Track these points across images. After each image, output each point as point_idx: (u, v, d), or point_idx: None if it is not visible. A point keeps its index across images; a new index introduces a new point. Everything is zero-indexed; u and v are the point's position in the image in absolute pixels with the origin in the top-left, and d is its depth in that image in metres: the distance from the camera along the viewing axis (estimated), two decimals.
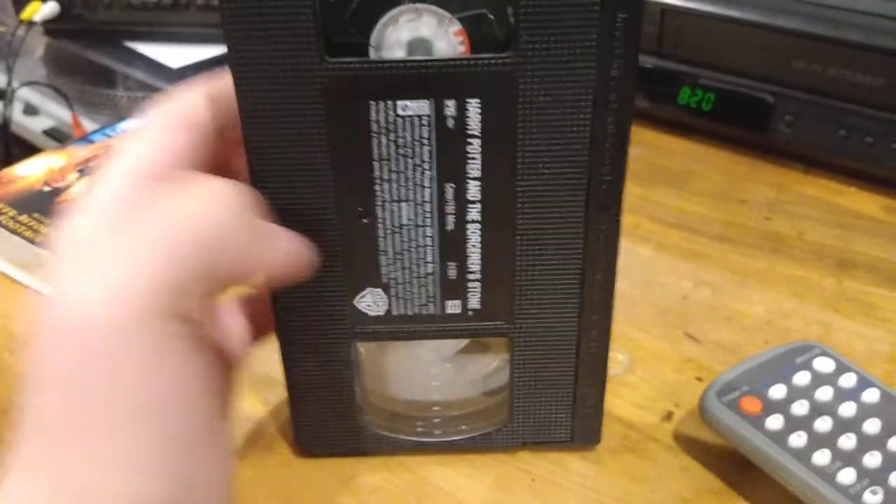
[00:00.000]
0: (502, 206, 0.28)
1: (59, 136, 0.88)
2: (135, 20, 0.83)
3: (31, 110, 0.92)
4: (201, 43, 0.80)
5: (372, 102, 0.25)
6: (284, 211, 0.27)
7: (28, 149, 0.93)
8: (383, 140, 0.26)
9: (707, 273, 0.43)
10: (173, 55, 0.81)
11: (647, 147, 0.54)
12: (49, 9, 0.84)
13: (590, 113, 0.26)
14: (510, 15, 0.25)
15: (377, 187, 0.27)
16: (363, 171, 0.27)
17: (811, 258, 0.44)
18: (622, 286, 0.41)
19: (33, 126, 0.91)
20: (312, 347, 0.30)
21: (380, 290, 0.29)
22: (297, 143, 0.26)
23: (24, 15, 0.83)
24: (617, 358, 0.37)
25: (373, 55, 0.25)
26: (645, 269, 0.43)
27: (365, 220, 0.27)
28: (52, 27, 0.87)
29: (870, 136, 0.47)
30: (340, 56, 0.25)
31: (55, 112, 0.89)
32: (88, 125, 0.85)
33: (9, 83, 0.87)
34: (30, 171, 0.50)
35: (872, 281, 0.42)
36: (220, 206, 0.23)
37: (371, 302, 0.29)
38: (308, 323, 0.29)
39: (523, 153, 0.27)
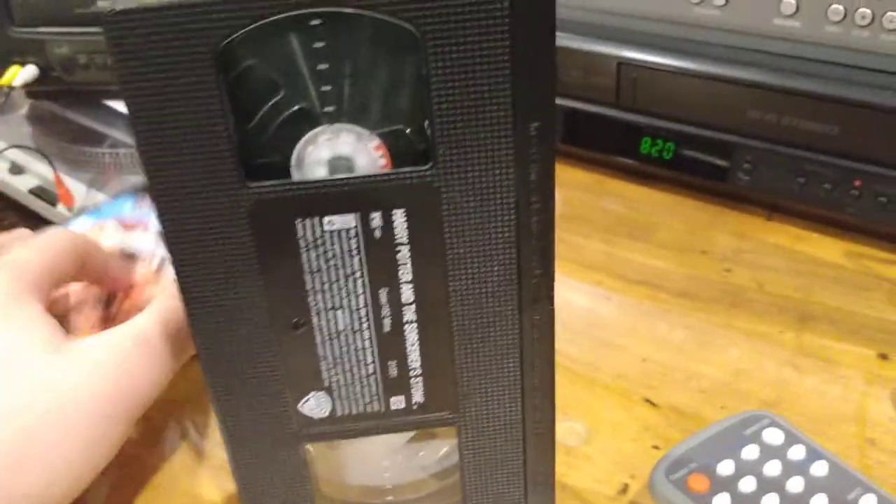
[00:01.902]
0: (436, 305, 0.28)
1: (45, 196, 0.89)
2: (112, 80, 0.84)
3: (16, 170, 0.93)
4: None
5: (298, 221, 0.26)
6: (220, 326, 0.27)
7: (16, 208, 0.94)
8: (312, 254, 0.27)
9: (667, 332, 0.43)
10: None
11: (612, 197, 0.54)
12: (28, 72, 0.85)
13: (513, 215, 0.27)
14: (427, 128, 0.25)
15: (310, 298, 0.27)
16: (295, 285, 0.27)
17: (771, 311, 0.44)
18: (583, 350, 0.42)
19: (19, 185, 0.92)
20: (260, 451, 0.30)
21: (323, 393, 0.29)
22: (227, 265, 0.26)
23: (5, 80, 0.85)
24: (574, 429, 0.38)
25: (294, 175, 0.26)
26: (606, 330, 0.43)
27: (301, 330, 0.28)
28: (32, 89, 0.88)
29: (827, 182, 0.47)
30: (262, 177, 0.25)
31: (41, 171, 0.90)
32: (72, 183, 0.86)
33: None
34: None
35: (832, 334, 0.42)
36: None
37: (315, 405, 0.30)
38: (254, 428, 0.30)
39: (452, 256, 0.27)
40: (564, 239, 0.50)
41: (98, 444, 0.31)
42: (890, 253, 0.47)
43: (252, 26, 0.23)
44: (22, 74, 0.85)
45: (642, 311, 0.45)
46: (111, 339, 0.33)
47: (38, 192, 0.90)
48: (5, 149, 0.89)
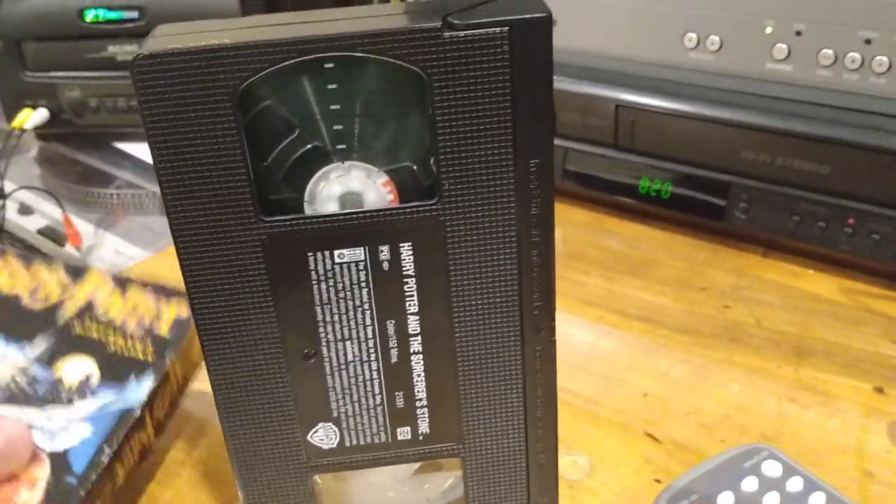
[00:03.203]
0: (442, 336, 0.29)
1: (53, 236, 0.90)
2: (122, 122, 0.86)
3: (25, 210, 0.95)
4: None
5: (310, 254, 0.27)
6: (233, 356, 0.28)
7: (24, 247, 0.95)
8: (323, 286, 0.28)
9: (667, 367, 0.44)
10: None
11: (612, 236, 0.56)
12: (39, 115, 0.87)
13: (514, 248, 0.28)
14: (432, 164, 0.27)
15: (321, 329, 0.28)
16: (306, 316, 0.28)
17: (769, 346, 0.45)
18: (585, 384, 0.43)
19: (28, 225, 0.93)
20: (270, 483, 0.31)
21: (331, 423, 0.30)
22: (241, 295, 0.27)
23: (16, 123, 0.87)
24: (577, 462, 0.38)
25: (307, 210, 0.27)
26: (607, 364, 0.44)
27: (312, 360, 0.29)
28: (43, 132, 0.90)
29: (822, 220, 0.48)
30: (277, 212, 0.26)
31: (49, 212, 0.91)
32: (80, 223, 0.87)
33: (1, 189, 0.89)
34: None
35: (829, 368, 0.43)
36: None
37: (324, 436, 0.30)
38: (264, 460, 0.30)
39: (456, 288, 0.28)
40: (565, 276, 0.51)
41: None
42: (884, 289, 0.48)
43: (269, 70, 0.24)
44: (33, 117, 0.88)
45: (643, 347, 0.45)
46: None
47: (47, 233, 0.92)
48: (15, 190, 0.90)
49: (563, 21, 0.55)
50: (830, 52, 0.46)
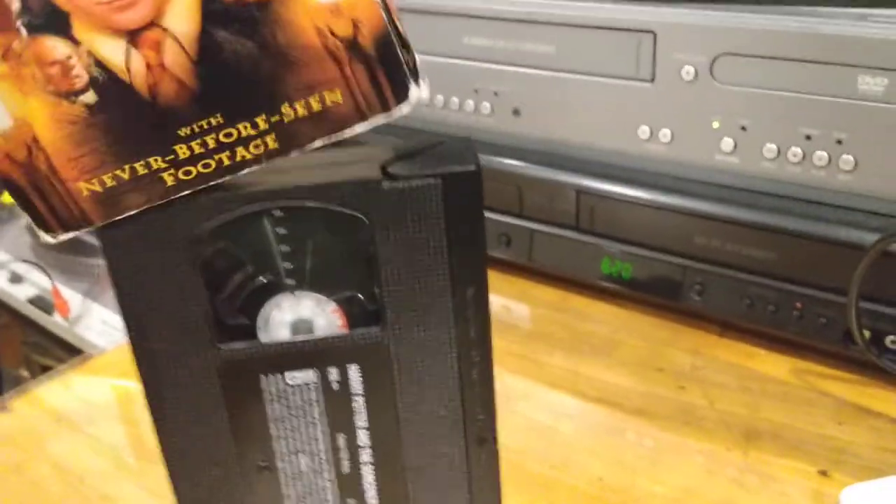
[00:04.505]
0: (390, 447, 0.31)
1: (42, 305, 0.92)
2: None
3: (16, 279, 0.97)
4: None
5: (263, 376, 0.29)
6: (193, 469, 0.30)
7: (14, 316, 0.97)
8: (276, 405, 0.30)
9: (623, 451, 0.46)
10: None
11: (575, 315, 0.58)
12: None
13: (456, 368, 0.30)
14: (377, 293, 0.29)
15: (274, 443, 0.30)
16: (260, 431, 0.30)
17: (720, 428, 0.47)
18: (543, 466, 0.44)
19: (19, 294, 0.96)
20: None
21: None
22: (200, 414, 0.29)
23: (5, 198, 0.89)
24: None
25: (261, 335, 0.29)
26: (564, 448, 0.46)
27: (267, 472, 0.31)
28: None
29: (771, 304, 0.51)
30: (232, 338, 0.29)
31: (39, 281, 0.94)
32: (69, 293, 0.90)
33: None
34: None
35: (777, 451, 0.45)
36: None
37: None
38: None
39: (403, 404, 0.30)
40: (529, 356, 0.53)
41: None
42: (832, 369, 0.50)
43: (219, 218, 0.27)
44: None
45: (602, 428, 0.47)
46: None
47: (36, 302, 0.94)
48: (7, 262, 0.93)
49: (529, 112, 0.58)
50: (774, 146, 0.49)
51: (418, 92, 0.25)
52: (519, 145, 0.59)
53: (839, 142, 0.47)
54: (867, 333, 0.47)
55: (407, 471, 0.31)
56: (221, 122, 0.24)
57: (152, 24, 0.22)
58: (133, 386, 0.54)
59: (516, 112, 0.58)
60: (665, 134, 0.52)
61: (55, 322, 0.86)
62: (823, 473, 0.43)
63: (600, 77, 0.54)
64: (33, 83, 0.23)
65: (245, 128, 0.24)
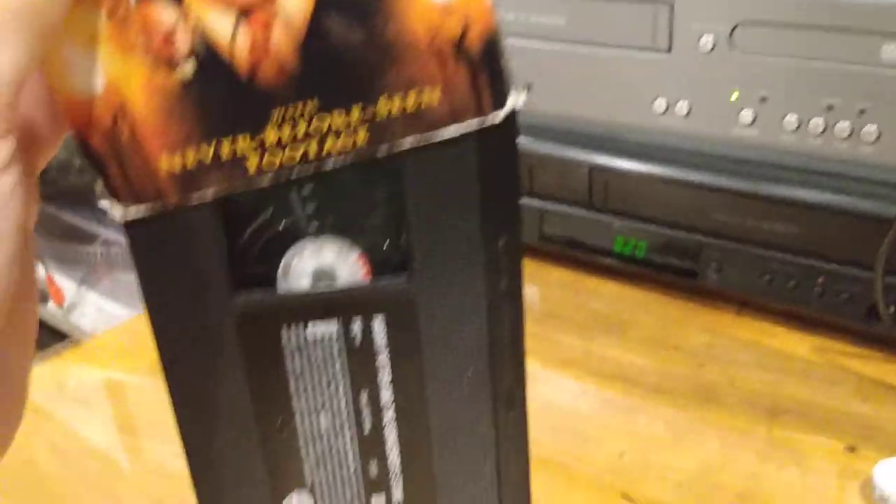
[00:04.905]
0: (415, 407, 0.29)
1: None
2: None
3: None
4: None
5: (283, 327, 0.28)
6: (208, 427, 0.29)
7: None
8: (296, 360, 0.28)
9: (643, 427, 0.44)
10: None
11: (589, 295, 0.56)
12: None
13: (485, 323, 0.28)
14: (403, 242, 0.27)
15: (293, 401, 0.29)
16: (280, 387, 0.28)
17: (742, 406, 0.45)
18: (561, 445, 0.43)
19: None
20: None
21: (305, 491, 0.30)
22: (216, 368, 0.28)
23: None
24: None
25: (281, 284, 0.28)
26: (584, 426, 0.45)
27: (285, 431, 0.29)
28: None
29: (792, 280, 0.49)
30: (250, 287, 0.27)
31: None
32: (63, 281, 0.88)
33: None
34: None
35: (802, 427, 0.44)
36: None
37: None
38: None
39: (428, 360, 0.29)
40: (543, 335, 0.52)
41: None
42: (855, 346, 0.49)
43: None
44: None
45: (619, 407, 0.46)
46: None
47: None
48: None
49: (541, 87, 0.57)
50: (794, 117, 0.48)
51: (515, 99, 0.24)
52: (529, 121, 0.58)
53: (862, 112, 0.46)
54: (892, 308, 0.46)
55: (432, 432, 0.30)
56: (317, 106, 0.23)
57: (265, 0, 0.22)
58: (126, 368, 0.52)
59: (527, 87, 0.57)
60: (682, 107, 0.51)
61: (49, 310, 0.84)
62: (851, 449, 0.42)
63: (614, 49, 0.53)
64: (134, 47, 0.22)
65: (339, 115, 0.23)
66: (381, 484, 0.31)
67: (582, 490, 0.40)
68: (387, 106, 0.23)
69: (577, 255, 0.58)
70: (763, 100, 0.49)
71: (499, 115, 0.24)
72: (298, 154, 0.24)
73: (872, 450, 0.42)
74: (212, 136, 0.23)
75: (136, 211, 0.24)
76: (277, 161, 0.24)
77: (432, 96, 0.23)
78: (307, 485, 0.30)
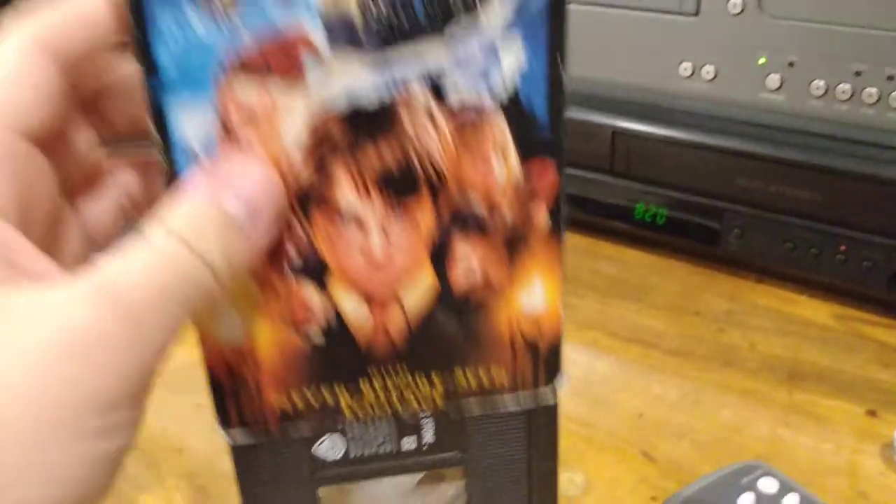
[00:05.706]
0: None
1: None
2: None
3: None
4: None
5: None
6: None
7: None
8: None
9: (662, 389, 0.44)
10: None
11: (607, 261, 0.56)
12: None
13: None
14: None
15: None
16: None
17: (763, 370, 0.45)
18: (580, 404, 0.43)
19: None
20: (274, 496, 0.31)
21: (337, 434, 0.30)
22: None
23: None
24: (574, 480, 0.39)
25: None
26: (602, 386, 0.45)
27: None
28: None
29: (814, 247, 0.49)
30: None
31: None
32: None
33: None
34: None
35: (822, 392, 0.44)
36: None
37: (329, 447, 0.31)
38: (268, 475, 0.31)
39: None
40: None
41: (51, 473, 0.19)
42: (876, 315, 0.49)
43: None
44: None
45: (637, 369, 0.46)
46: (65, 297, 0.19)
47: None
48: None
49: None
50: (822, 83, 0.48)
51: (562, 382, 0.29)
52: None
53: (890, 78, 0.46)
54: None
55: None
56: (406, 369, 0.27)
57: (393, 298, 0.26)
58: None
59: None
60: (708, 71, 0.51)
61: None
62: (872, 413, 0.42)
63: (640, 11, 0.52)
64: (278, 315, 0.26)
65: (421, 378, 0.28)
66: (412, 425, 0.30)
67: (599, 449, 0.40)
68: (463, 378, 0.28)
69: (595, 220, 0.58)
70: (791, 64, 0.48)
71: (546, 394, 0.29)
72: (385, 405, 0.28)
73: (893, 414, 0.42)
74: (319, 384, 0.27)
75: (244, 437, 0.28)
76: (367, 411, 0.28)
77: (500, 376, 0.28)
78: (339, 427, 0.30)
